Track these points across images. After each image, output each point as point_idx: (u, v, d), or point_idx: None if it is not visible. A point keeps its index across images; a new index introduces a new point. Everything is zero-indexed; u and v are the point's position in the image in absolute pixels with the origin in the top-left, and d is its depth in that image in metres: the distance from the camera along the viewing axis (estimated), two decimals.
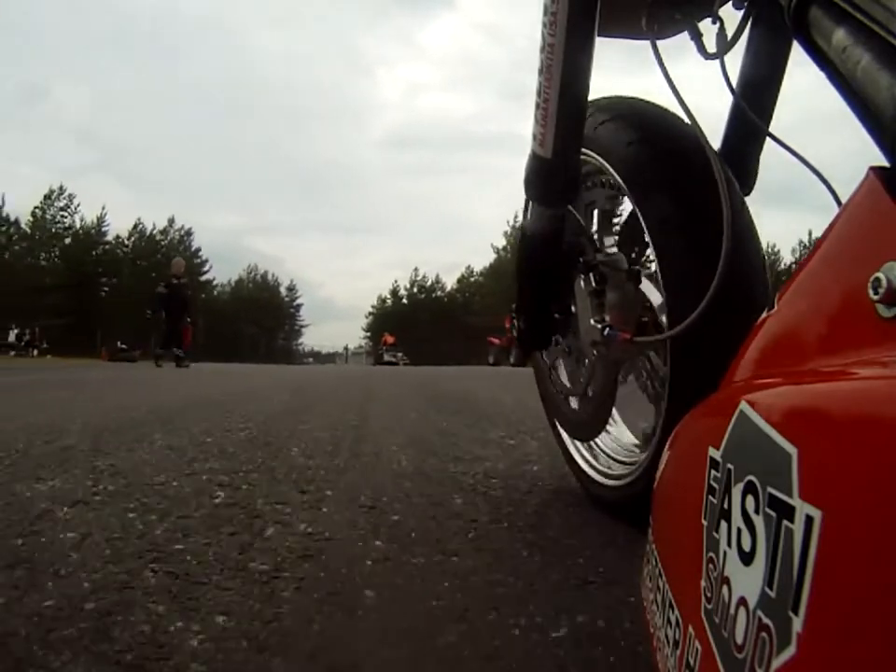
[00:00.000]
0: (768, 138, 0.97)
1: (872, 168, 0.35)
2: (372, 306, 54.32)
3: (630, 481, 1.08)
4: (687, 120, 0.85)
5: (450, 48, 71.58)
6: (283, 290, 52.85)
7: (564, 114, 0.95)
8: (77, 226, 41.87)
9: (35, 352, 24.42)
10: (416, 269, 46.10)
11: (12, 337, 25.36)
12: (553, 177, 1.02)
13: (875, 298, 0.30)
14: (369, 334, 53.08)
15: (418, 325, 39.32)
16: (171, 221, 46.40)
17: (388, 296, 50.66)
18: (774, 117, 1.02)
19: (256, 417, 2.40)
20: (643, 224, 0.96)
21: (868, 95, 0.43)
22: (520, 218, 1.34)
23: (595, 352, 1.06)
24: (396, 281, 48.43)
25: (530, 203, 1.16)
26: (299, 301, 53.77)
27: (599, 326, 1.01)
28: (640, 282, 1.02)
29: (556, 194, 1.06)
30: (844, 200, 0.38)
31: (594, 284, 1.04)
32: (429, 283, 44.83)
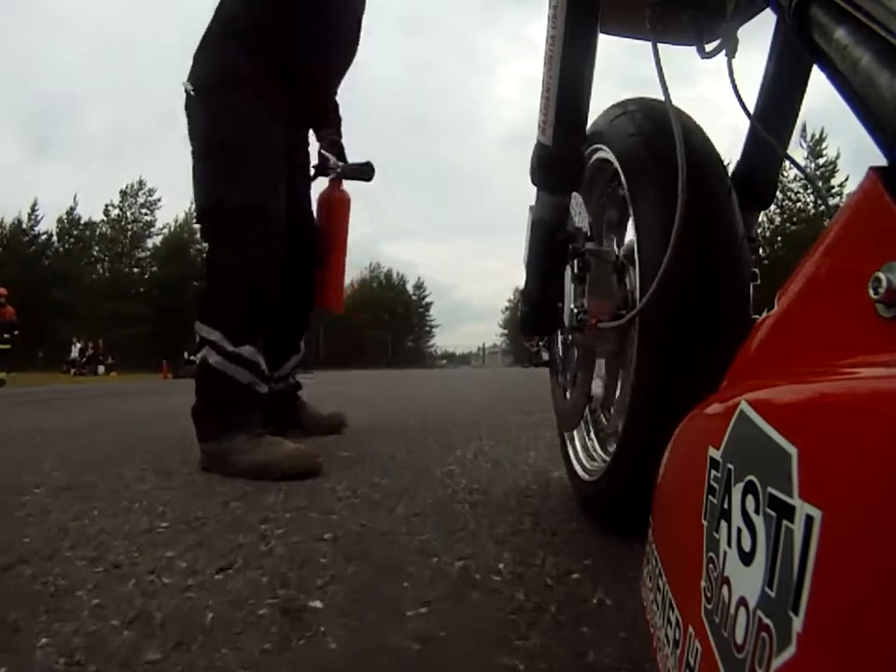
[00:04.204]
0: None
1: (872, 168, 0.35)
2: (509, 300, 51.58)
3: (597, 477, 1.08)
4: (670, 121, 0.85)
5: None
6: (410, 289, 50.05)
7: (564, 104, 0.98)
8: (160, 225, 37.83)
9: (103, 368, 21.58)
10: None
11: (75, 352, 22.20)
12: (555, 165, 1.05)
13: (875, 298, 0.30)
14: (506, 331, 50.30)
15: None
16: None
17: None
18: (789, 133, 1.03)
19: None
20: (632, 216, 0.97)
21: (868, 95, 0.43)
22: None
23: (569, 338, 1.09)
24: None
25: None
26: (428, 300, 50.59)
27: (576, 311, 1.03)
28: (625, 274, 1.03)
29: (558, 182, 1.09)
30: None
31: (576, 270, 1.06)
32: None
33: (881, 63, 0.42)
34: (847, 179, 33.71)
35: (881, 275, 0.30)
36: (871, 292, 0.31)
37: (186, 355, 20.02)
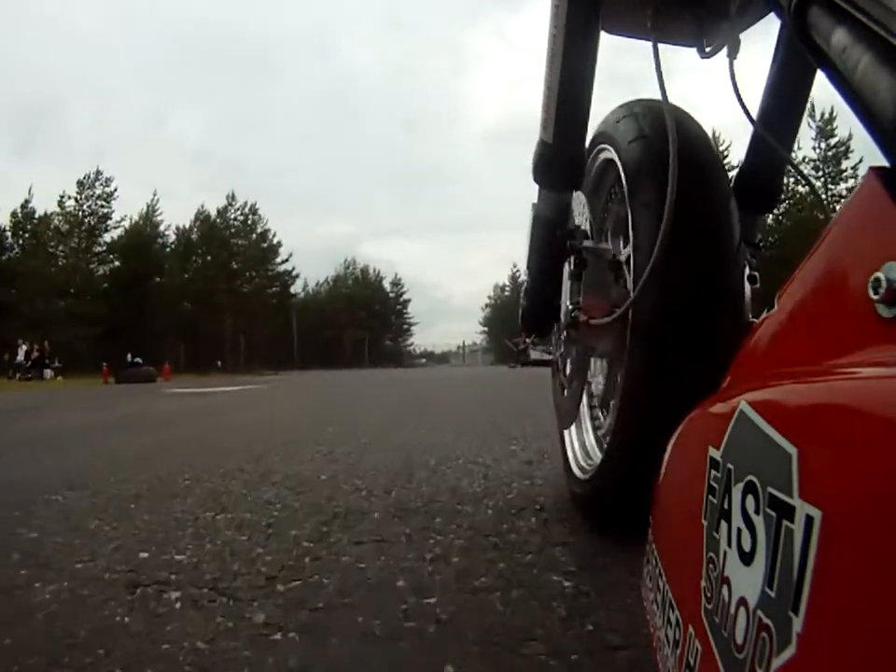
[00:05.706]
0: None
1: (872, 168, 0.35)
2: (489, 297, 51.05)
3: (591, 476, 1.09)
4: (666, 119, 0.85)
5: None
6: (387, 285, 47.61)
7: (565, 102, 0.98)
8: (117, 218, 34.44)
9: (50, 373, 19.85)
10: None
11: (21, 355, 20.60)
12: (556, 162, 1.05)
13: (875, 298, 0.30)
14: (486, 329, 50.03)
15: None
16: (231, 198, 37.27)
17: (507, 283, 46.59)
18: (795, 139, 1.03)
19: None
20: (629, 215, 0.97)
21: (868, 95, 0.43)
22: None
23: (564, 334, 1.10)
24: (515, 266, 42.38)
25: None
26: (406, 297, 48.21)
27: (570, 308, 1.04)
28: (622, 274, 1.03)
29: (558, 179, 1.10)
30: None
31: (572, 268, 1.07)
32: None
33: (881, 64, 0.42)
34: (861, 161, 29.47)
35: (881, 275, 0.30)
36: (871, 292, 0.31)
37: (129, 357, 18.16)
